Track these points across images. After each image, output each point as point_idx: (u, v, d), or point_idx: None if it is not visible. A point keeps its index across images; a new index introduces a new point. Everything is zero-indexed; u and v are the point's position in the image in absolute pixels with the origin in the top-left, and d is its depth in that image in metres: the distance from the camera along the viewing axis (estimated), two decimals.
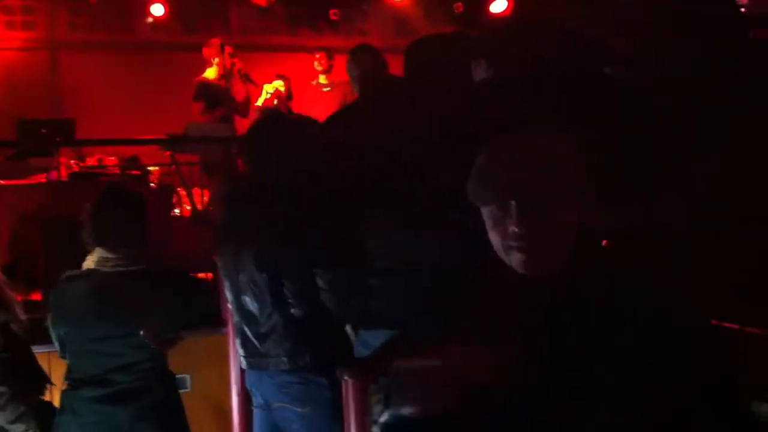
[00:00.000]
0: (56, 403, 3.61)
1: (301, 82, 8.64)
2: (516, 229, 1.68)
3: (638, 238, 2.06)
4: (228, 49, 7.99)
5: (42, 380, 3.64)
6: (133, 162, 7.08)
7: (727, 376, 1.54)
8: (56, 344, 3.62)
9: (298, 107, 8.27)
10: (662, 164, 2.12)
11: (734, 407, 1.52)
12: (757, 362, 1.76)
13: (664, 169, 2.12)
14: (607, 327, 1.55)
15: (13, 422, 3.45)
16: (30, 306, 4.95)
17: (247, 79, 8.11)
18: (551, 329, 1.60)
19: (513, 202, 1.68)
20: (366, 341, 3.33)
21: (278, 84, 8.33)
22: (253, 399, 3.72)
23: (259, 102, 8.29)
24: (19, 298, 5.01)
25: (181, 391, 3.78)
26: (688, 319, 1.58)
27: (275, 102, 8.27)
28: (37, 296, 5.05)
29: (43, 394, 3.62)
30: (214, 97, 7.88)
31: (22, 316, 3.67)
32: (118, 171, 6.81)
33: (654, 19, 2.39)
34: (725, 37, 2.25)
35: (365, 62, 4.75)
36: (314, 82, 8.62)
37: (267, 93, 8.30)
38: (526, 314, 1.65)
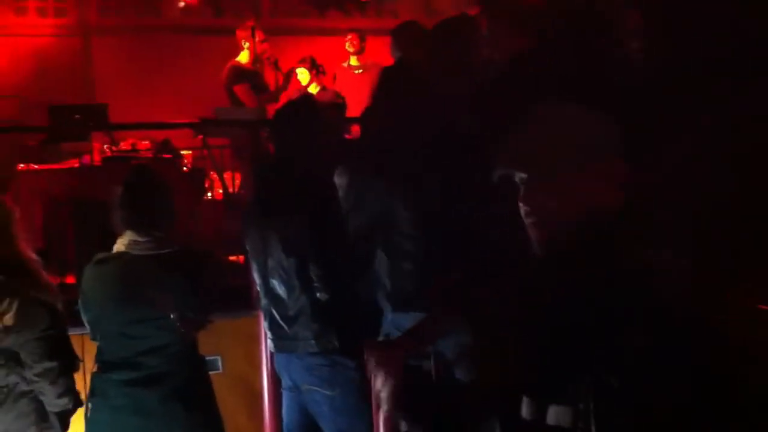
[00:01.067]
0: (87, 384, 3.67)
1: (331, 65, 8.61)
2: (522, 204, 1.68)
3: (639, 236, 2.04)
4: (259, 35, 7.96)
5: (77, 360, 3.70)
6: (166, 146, 7.10)
7: (727, 376, 1.52)
8: (87, 327, 3.66)
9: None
10: (662, 162, 2.10)
11: (734, 407, 1.51)
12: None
13: (664, 167, 2.10)
14: (607, 327, 1.54)
15: (59, 396, 3.55)
16: (64, 289, 5.02)
17: (276, 66, 8.08)
18: (552, 329, 1.59)
19: (523, 176, 1.68)
20: (399, 324, 3.33)
21: (300, 74, 8.19)
22: (282, 381, 3.74)
23: None
24: (53, 281, 5.11)
25: (211, 372, 3.81)
26: (688, 319, 1.57)
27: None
28: (71, 279, 5.11)
29: (77, 372, 3.69)
30: (255, 81, 7.88)
31: (59, 298, 3.72)
32: (150, 155, 6.85)
33: (655, 17, 2.37)
34: (726, 36, 2.22)
35: (407, 43, 4.48)
36: (345, 64, 8.58)
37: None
38: (526, 314, 1.64)
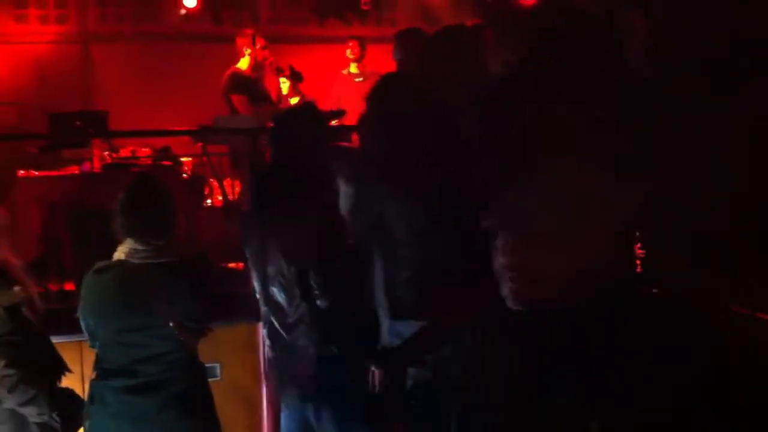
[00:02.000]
0: (85, 391, 3.64)
1: (331, 73, 8.61)
2: (501, 259, 1.55)
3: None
4: (260, 42, 7.97)
5: (58, 367, 3.60)
6: (166, 153, 7.10)
7: (727, 376, 1.51)
8: (86, 334, 3.64)
9: (328, 97, 8.23)
10: (662, 163, 2.10)
11: (734, 407, 1.49)
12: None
13: (664, 168, 2.09)
14: (607, 327, 1.53)
15: (23, 405, 3.41)
16: (63, 295, 5.02)
17: (279, 71, 8.07)
18: (551, 329, 1.58)
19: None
20: (399, 332, 3.33)
21: (281, 83, 8.19)
22: (281, 388, 3.74)
23: None
24: (53, 287, 5.10)
25: (210, 379, 3.79)
26: (688, 319, 1.55)
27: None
28: (70, 286, 5.10)
29: (58, 380, 3.58)
30: (254, 90, 7.88)
31: (38, 304, 3.65)
32: (150, 162, 6.84)
33: (655, 18, 2.37)
34: (726, 36, 2.22)
35: (408, 48, 4.56)
36: (345, 72, 8.57)
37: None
38: (526, 314, 1.61)
